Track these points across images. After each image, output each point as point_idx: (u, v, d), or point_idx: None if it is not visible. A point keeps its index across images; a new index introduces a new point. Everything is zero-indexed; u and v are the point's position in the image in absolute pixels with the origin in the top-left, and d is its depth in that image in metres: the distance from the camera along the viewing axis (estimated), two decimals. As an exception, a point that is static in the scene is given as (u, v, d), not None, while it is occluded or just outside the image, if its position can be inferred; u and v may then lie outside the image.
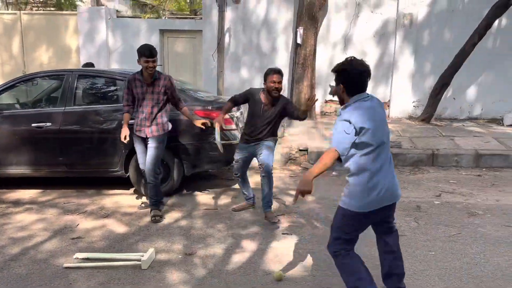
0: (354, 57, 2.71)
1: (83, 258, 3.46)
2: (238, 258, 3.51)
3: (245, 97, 4.49)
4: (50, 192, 5.35)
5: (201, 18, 9.60)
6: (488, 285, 3.08)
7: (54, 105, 5.27)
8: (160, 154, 4.50)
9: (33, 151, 5.18)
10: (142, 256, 3.37)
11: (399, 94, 8.91)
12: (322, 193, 5.21)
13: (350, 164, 2.57)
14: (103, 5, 12.65)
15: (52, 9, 14.20)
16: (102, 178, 5.48)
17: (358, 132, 2.49)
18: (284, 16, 9.04)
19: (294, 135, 7.63)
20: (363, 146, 2.52)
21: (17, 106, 5.62)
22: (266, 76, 4.25)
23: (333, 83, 2.74)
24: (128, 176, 5.20)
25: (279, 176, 6.14)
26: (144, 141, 4.47)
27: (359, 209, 2.60)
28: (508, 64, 8.65)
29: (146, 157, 4.44)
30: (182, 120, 5.05)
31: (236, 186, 5.64)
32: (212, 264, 3.41)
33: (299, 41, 8.30)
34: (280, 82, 4.22)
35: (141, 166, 4.59)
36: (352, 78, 2.63)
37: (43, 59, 10.14)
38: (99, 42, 9.63)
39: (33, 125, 5.11)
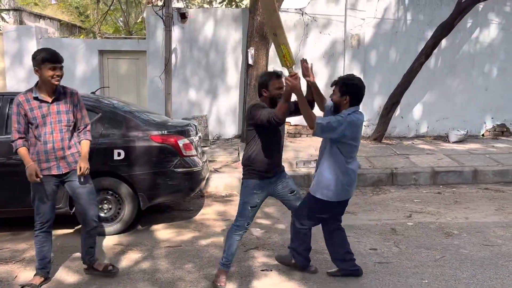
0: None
1: None
2: (217, 304, 3.05)
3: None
4: (-23, 237, 4.52)
5: (144, 38, 9.08)
6: (492, 314, 2.88)
7: (-18, 133, 4.50)
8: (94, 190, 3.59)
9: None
10: None
11: (350, 113, 8.92)
12: (287, 219, 4.86)
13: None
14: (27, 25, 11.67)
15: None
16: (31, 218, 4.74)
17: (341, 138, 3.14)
18: (233, 36, 8.79)
19: (250, 159, 7.29)
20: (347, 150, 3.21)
21: None
22: (266, 83, 3.32)
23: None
24: (73, 213, 4.54)
25: (241, 203, 5.72)
26: (54, 181, 3.40)
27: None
28: (449, 83, 9.02)
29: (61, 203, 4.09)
30: (136, 147, 4.53)
31: (198, 217, 5.16)
32: (189, 315, 2.92)
33: (250, 62, 8.07)
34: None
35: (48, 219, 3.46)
36: (358, 92, 3.21)
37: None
38: (29, 64, 8.71)
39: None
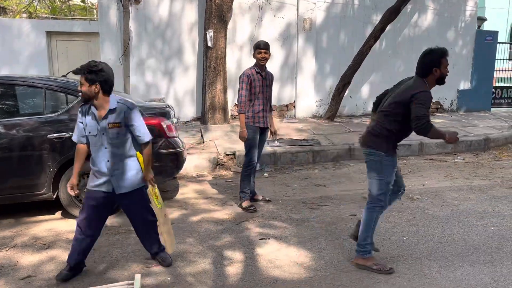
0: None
1: None
2: (233, 271, 3.29)
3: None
4: (-48, 227, 4.32)
5: (96, 19, 8.77)
6: (471, 255, 3.41)
7: (-48, 120, 4.26)
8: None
9: None
10: (131, 285, 2.93)
11: (303, 94, 9.36)
12: (269, 195, 5.18)
13: None
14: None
15: None
16: (17, 204, 4.63)
17: None
18: (189, 17, 8.78)
19: (215, 140, 7.47)
20: None
21: None
22: (438, 60, 3.22)
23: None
24: (57, 197, 4.49)
25: (216, 182, 5.94)
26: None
27: None
28: (392, 64, 9.75)
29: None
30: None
31: (179, 196, 5.29)
32: (210, 281, 3.14)
33: (209, 44, 8.15)
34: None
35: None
36: (108, 78, 3.06)
37: None
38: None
39: None
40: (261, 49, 4.60)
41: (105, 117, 3.08)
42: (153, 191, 3.34)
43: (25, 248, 3.80)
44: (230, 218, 4.45)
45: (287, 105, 9.43)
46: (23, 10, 12.61)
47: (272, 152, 6.92)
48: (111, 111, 3.08)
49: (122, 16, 8.28)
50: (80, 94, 3.11)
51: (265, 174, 6.33)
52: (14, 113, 4.57)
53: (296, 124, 8.67)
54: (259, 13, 8.98)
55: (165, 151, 4.72)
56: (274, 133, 4.97)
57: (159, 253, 3.39)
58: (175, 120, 5.28)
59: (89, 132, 3.13)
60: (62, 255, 3.62)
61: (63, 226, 4.32)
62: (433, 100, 9.83)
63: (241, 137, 4.67)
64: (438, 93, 10.07)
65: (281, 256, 3.52)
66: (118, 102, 3.12)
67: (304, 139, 7.51)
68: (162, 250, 3.41)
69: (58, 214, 4.67)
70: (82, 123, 3.16)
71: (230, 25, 8.79)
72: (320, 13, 9.22)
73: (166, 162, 4.77)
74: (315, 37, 9.22)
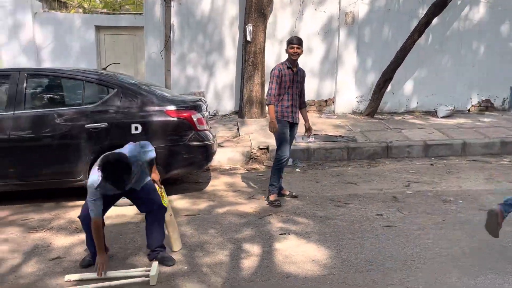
0: None
1: (76, 280, 3.06)
2: (249, 264, 3.34)
3: None
4: (-1, 208, 4.69)
5: (140, 14, 9.08)
6: (497, 262, 3.25)
7: (1, 109, 4.61)
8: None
9: (-23, 163, 4.49)
10: (148, 271, 3.06)
11: (343, 89, 9.21)
12: (297, 191, 5.18)
13: None
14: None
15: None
16: (57, 189, 4.93)
17: None
18: (230, 11, 8.88)
19: (250, 134, 7.54)
20: None
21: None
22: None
23: None
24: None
25: (247, 176, 6.01)
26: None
27: None
28: (438, 60, 9.36)
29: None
30: (152, 121, 4.71)
31: (209, 188, 5.41)
32: (224, 272, 3.21)
33: (248, 38, 8.21)
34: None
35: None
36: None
37: (-45, 58, 8.90)
38: (25, 39, 8.69)
39: (-25, 133, 4.43)
40: (293, 44, 4.61)
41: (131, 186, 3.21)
42: (159, 191, 3.47)
43: (60, 230, 4.06)
44: (254, 212, 4.50)
45: (326, 100, 9.32)
46: (78, 5, 13.25)
47: (306, 148, 6.89)
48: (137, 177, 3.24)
49: (169, 11, 8.51)
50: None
51: (297, 170, 6.32)
52: (56, 104, 4.86)
53: (334, 120, 8.55)
54: (300, 7, 8.91)
55: (194, 143, 4.84)
56: (308, 129, 4.96)
57: (160, 253, 3.37)
58: (206, 113, 5.40)
59: (106, 193, 3.12)
60: (91, 239, 3.83)
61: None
62: (483, 98, 9.49)
63: (270, 128, 4.70)
64: (489, 90, 9.57)
65: (298, 252, 3.53)
66: (132, 161, 3.07)
67: (340, 136, 7.40)
68: (163, 250, 3.41)
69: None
70: (101, 198, 3.08)
71: (270, 19, 8.80)
72: (363, 7, 9.00)
73: (195, 154, 4.89)
74: (357, 31, 9.02)
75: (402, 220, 4.21)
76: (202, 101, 5.30)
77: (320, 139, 7.21)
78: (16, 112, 4.54)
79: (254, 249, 3.60)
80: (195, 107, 4.99)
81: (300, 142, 7.11)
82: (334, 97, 9.30)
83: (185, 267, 3.29)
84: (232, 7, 8.88)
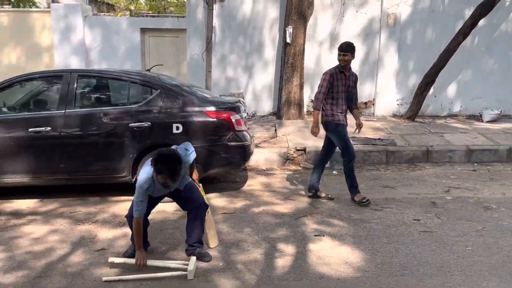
0: None
1: (119, 263, 3.24)
2: (282, 263, 3.41)
3: None
4: (50, 201, 4.99)
5: (183, 17, 9.34)
6: (534, 277, 3.16)
7: (53, 108, 4.91)
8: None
9: (31, 158, 4.81)
10: (186, 265, 3.19)
11: (384, 92, 9.08)
12: (334, 193, 5.19)
13: None
14: (59, 3, 12.05)
15: (7, 6, 13.35)
16: (103, 185, 5.20)
17: None
18: (270, 13, 8.97)
19: (287, 135, 7.59)
20: None
21: (11, 109, 5.18)
22: None
23: None
24: (135, 181, 4.94)
25: (283, 177, 6.07)
26: None
27: None
28: (484, 62, 9.04)
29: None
30: (193, 121, 4.87)
31: (246, 188, 5.52)
32: (258, 270, 3.29)
33: (288, 40, 8.26)
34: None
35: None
36: None
37: (11, 59, 9.50)
38: (75, 40, 9.15)
39: (30, 130, 4.75)
40: (340, 51, 4.69)
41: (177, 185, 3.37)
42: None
43: (104, 224, 4.29)
44: (289, 212, 4.56)
45: (365, 103, 9.22)
46: (125, 8, 13.78)
47: (344, 150, 6.86)
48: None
49: (211, 14, 8.71)
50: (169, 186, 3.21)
51: (334, 172, 6.32)
52: (103, 103, 5.14)
53: (373, 123, 8.45)
54: (341, 9, 8.86)
55: (232, 143, 4.96)
56: (358, 126, 5.00)
57: (198, 248, 3.47)
58: (245, 114, 5.51)
59: (154, 194, 3.29)
60: (133, 233, 4.02)
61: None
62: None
63: (312, 133, 4.84)
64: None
65: (332, 254, 3.56)
66: (188, 153, 3.43)
67: (379, 139, 7.32)
68: (201, 246, 3.51)
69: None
70: (146, 200, 3.24)
71: (310, 21, 8.81)
72: (405, 8, 8.84)
73: (233, 154, 5.02)
74: (399, 33, 8.87)
75: (440, 226, 4.14)
76: (240, 102, 5.42)
77: (358, 142, 7.16)
78: (66, 110, 4.82)
79: (288, 249, 3.67)
80: (234, 108, 5.11)
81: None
82: (374, 99, 9.19)
83: (221, 264, 3.40)
84: (273, 9, 8.96)
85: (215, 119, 4.91)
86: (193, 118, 4.88)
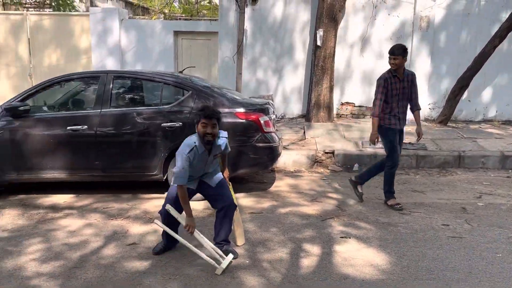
0: None
1: (173, 215, 3.43)
2: (307, 263, 3.45)
3: None
4: (85, 197, 5.21)
5: (215, 20, 9.51)
6: None
7: (90, 108, 5.13)
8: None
9: (68, 155, 5.03)
10: (223, 258, 3.29)
11: (415, 96, 8.94)
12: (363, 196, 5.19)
13: None
14: (97, 6, 12.46)
15: (49, 10, 13.92)
16: (135, 182, 5.38)
17: None
18: (301, 16, 9.02)
19: (316, 138, 7.61)
20: None
21: (50, 108, 5.45)
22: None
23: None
24: (166, 179, 5.09)
25: (311, 179, 6.10)
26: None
27: None
28: (522, 67, 8.78)
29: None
30: (222, 122, 4.93)
31: (273, 189, 5.58)
32: (283, 268, 3.35)
33: (319, 43, 8.28)
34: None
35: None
36: None
37: (52, 60, 9.92)
38: (111, 43, 9.47)
39: (68, 128, 4.97)
40: (391, 54, 4.63)
41: (214, 152, 3.51)
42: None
43: (136, 219, 4.44)
44: (316, 214, 4.59)
45: (396, 107, 9.10)
46: (159, 11, 14.11)
47: (373, 154, 6.82)
48: (219, 147, 3.54)
49: (243, 17, 8.84)
50: (209, 136, 3.36)
51: (363, 175, 6.28)
52: (137, 103, 5.32)
53: (404, 127, 8.33)
54: (372, 12, 8.81)
55: (260, 144, 5.04)
56: (418, 134, 4.95)
57: (225, 246, 3.54)
58: (273, 116, 5.58)
59: (194, 161, 3.41)
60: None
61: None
62: None
63: (371, 141, 4.80)
64: None
65: (357, 256, 3.57)
66: (222, 137, 3.58)
67: (409, 143, 7.22)
68: (228, 244, 3.58)
69: (166, 194, 5.29)
70: (188, 168, 3.36)
71: (341, 24, 8.80)
72: (439, 11, 8.70)
73: (261, 155, 5.09)
74: (432, 36, 8.73)
75: (470, 232, 4.07)
76: (269, 104, 5.49)
77: (387, 146, 7.10)
78: (102, 110, 5.02)
79: (314, 249, 3.70)
80: (263, 110, 5.19)
81: (367, 148, 7.06)
82: (405, 103, 9.06)
83: (247, 261, 3.48)
84: (304, 13, 9.00)
85: (244, 120, 4.99)
86: (223, 119, 4.91)
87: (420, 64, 8.84)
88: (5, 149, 5.00)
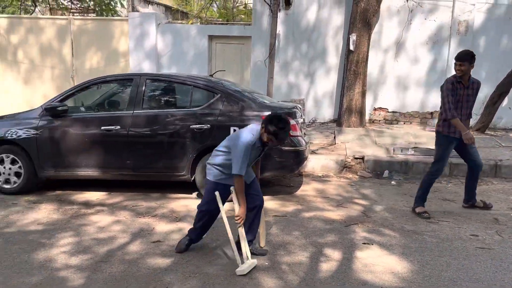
0: None
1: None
2: (327, 267, 3.44)
3: None
4: (116, 194, 5.40)
5: (249, 24, 9.62)
6: None
7: (123, 109, 5.33)
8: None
9: (102, 153, 5.24)
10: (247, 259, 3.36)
11: (452, 102, 8.70)
12: (389, 203, 5.11)
13: None
14: (137, 11, 12.86)
15: (92, 15, 14.52)
16: (164, 182, 5.53)
17: None
18: (335, 21, 8.98)
19: (346, 143, 7.54)
20: None
21: (87, 109, 5.70)
22: None
23: None
24: (193, 180, 5.21)
25: (338, 184, 6.06)
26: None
27: None
28: None
29: None
30: (245, 126, 5.02)
31: (299, 193, 5.59)
32: (302, 272, 3.36)
33: (351, 47, 8.22)
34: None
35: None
36: None
37: (92, 63, 10.34)
38: (148, 46, 9.77)
39: (102, 128, 5.18)
40: (457, 60, 4.55)
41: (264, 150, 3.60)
42: None
43: (162, 218, 4.57)
44: (340, 219, 4.57)
45: (431, 113, 8.90)
46: (197, 15, 14.39)
47: (404, 161, 6.70)
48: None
49: (275, 21, 8.91)
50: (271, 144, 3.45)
51: (392, 182, 6.19)
52: (168, 105, 5.47)
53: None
54: (408, 16, 8.66)
55: (286, 148, 5.07)
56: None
57: (251, 244, 3.61)
58: (301, 120, 5.59)
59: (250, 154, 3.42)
60: (188, 228, 4.25)
61: (195, 205, 4.91)
62: None
63: (467, 139, 4.57)
64: None
65: (378, 263, 3.53)
66: None
67: (443, 150, 7.03)
68: (252, 244, 3.63)
69: (194, 194, 5.42)
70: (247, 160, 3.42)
71: (376, 28, 8.70)
72: (478, 15, 8.44)
73: (287, 158, 5.12)
74: (470, 41, 8.47)
75: (500, 244, 3.93)
76: (297, 108, 5.51)
77: (420, 152, 6.95)
78: (135, 111, 5.21)
79: (335, 254, 3.69)
80: (290, 113, 5.21)
81: (398, 155, 6.94)
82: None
83: (266, 263, 3.51)
84: (338, 17, 8.96)
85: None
86: (250, 122, 5.03)
87: (457, 70, 8.58)
88: (45, 147, 5.27)
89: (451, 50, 8.56)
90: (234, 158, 3.35)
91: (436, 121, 8.83)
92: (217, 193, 3.45)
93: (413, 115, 8.94)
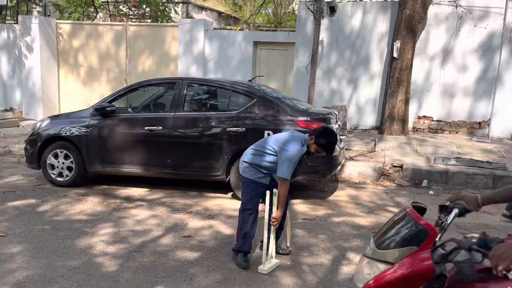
0: None
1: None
2: (347, 270, 3.52)
3: None
4: (156, 191, 5.73)
5: (294, 31, 9.77)
6: None
7: (166, 110, 5.66)
8: None
9: (144, 152, 5.59)
10: (272, 258, 3.52)
11: (502, 112, 8.37)
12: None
13: None
14: (191, 17, 13.38)
15: (148, 21, 15.26)
16: (201, 181, 5.79)
17: None
18: (379, 28, 8.92)
19: (386, 150, 7.48)
20: None
21: (133, 109, 6.09)
22: None
23: None
24: (228, 181, 5.42)
25: (374, 191, 6.05)
26: None
27: None
28: None
29: None
30: (283, 129, 5.16)
31: (332, 198, 5.65)
32: (321, 273, 3.46)
33: (395, 55, 8.14)
34: None
35: None
36: None
37: (145, 66, 10.91)
38: (196, 51, 10.17)
39: (146, 128, 5.53)
40: None
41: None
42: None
43: (196, 215, 4.82)
44: (369, 226, 4.59)
45: (479, 123, 8.59)
46: (244, 21, 14.76)
47: (445, 171, 6.55)
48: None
49: (318, 28, 9.00)
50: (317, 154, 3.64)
51: (431, 192, 6.10)
52: (207, 108, 5.75)
53: (486, 144, 7.86)
54: (456, 23, 8.43)
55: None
56: None
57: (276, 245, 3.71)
58: (336, 126, 5.65)
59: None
60: (219, 226, 4.48)
61: (228, 204, 5.23)
62: None
63: None
64: None
65: (400, 269, 3.54)
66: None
67: (487, 161, 6.81)
68: (278, 243, 3.76)
69: (229, 194, 5.64)
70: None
71: (422, 35, 8.55)
72: (533, 22, 8.07)
73: (319, 163, 5.21)
74: (523, 49, 8.12)
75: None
76: (332, 114, 5.59)
77: (462, 163, 6.77)
78: (176, 113, 5.51)
79: (357, 258, 3.74)
80: (324, 119, 5.30)
81: (438, 164, 6.79)
82: (489, 119, 8.52)
83: (288, 263, 3.64)
84: (382, 24, 8.90)
85: (304, 129, 5.14)
86: (284, 126, 5.18)
87: (508, 78, 8.26)
88: (94, 144, 5.70)
89: (502, 58, 8.24)
90: (283, 163, 3.43)
91: (484, 131, 8.57)
92: (268, 192, 3.53)
93: (459, 125, 8.68)
